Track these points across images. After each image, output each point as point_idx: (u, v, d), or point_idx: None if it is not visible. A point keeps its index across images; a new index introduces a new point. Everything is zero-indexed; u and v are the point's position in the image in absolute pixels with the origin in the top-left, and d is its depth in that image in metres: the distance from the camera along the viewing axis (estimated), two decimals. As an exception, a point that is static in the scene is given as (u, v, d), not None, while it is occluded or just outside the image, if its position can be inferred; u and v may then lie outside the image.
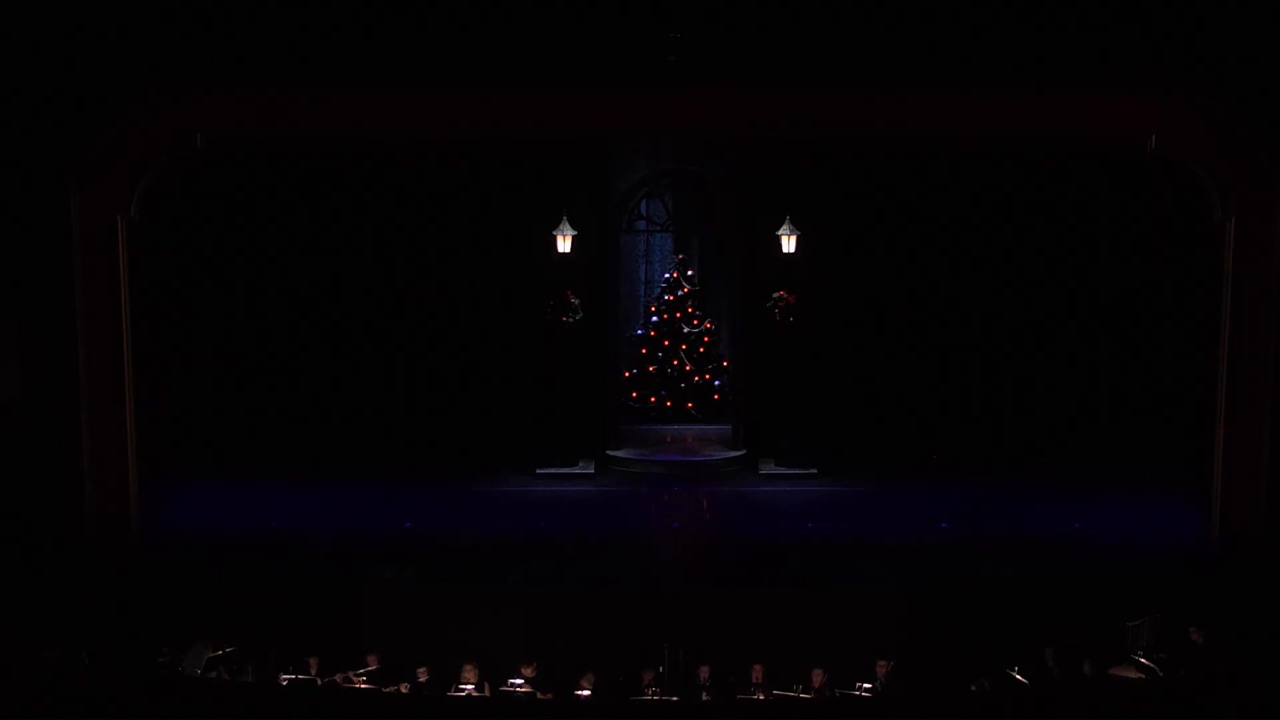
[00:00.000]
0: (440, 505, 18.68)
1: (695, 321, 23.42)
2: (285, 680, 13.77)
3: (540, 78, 16.45)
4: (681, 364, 23.10)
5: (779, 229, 20.26)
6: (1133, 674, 13.68)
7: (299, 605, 15.16)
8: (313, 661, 14.21)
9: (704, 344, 23.31)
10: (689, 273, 23.82)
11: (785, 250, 20.28)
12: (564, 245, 20.30)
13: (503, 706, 12.74)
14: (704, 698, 13.78)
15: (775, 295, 20.32)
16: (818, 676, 13.86)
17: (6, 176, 16.34)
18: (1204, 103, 16.43)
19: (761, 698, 13.68)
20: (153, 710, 10.59)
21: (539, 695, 13.60)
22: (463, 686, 13.88)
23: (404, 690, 13.74)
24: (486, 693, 13.84)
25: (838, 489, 19.82)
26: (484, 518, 18.32)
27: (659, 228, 23.85)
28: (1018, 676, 13.68)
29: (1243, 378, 16.88)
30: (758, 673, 14.07)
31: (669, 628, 14.22)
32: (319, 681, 13.97)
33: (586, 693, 13.73)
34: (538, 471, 20.33)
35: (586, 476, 20.47)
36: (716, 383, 23.11)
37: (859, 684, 13.80)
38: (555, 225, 20.24)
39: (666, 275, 23.87)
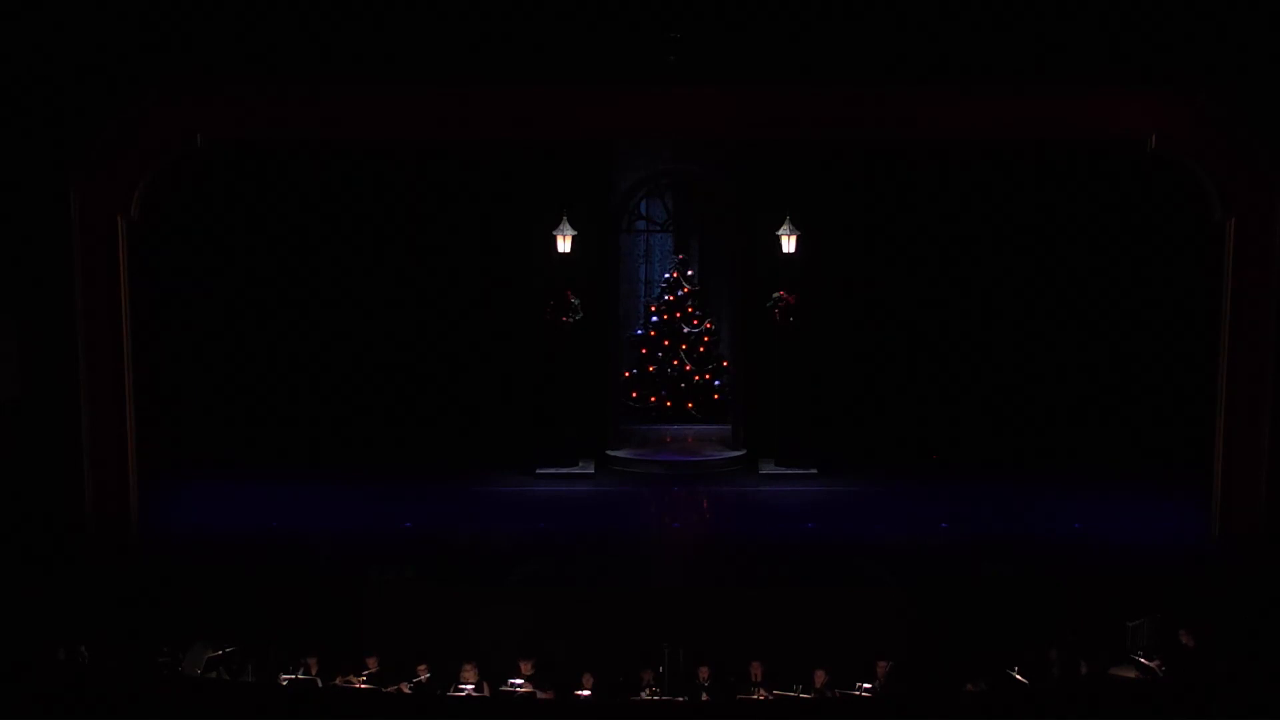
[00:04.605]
0: (440, 505, 18.69)
1: (695, 321, 23.40)
2: (285, 680, 13.77)
3: (541, 78, 16.44)
4: (681, 364, 23.09)
5: (779, 229, 20.28)
6: (1132, 674, 13.67)
7: (299, 605, 15.16)
8: (313, 662, 14.19)
9: (704, 344, 23.29)
10: (689, 273, 23.80)
11: (785, 250, 20.31)
12: (564, 245, 20.31)
13: (503, 706, 12.75)
14: (704, 698, 13.77)
15: (775, 295, 20.35)
16: (820, 677, 13.85)
17: (6, 176, 16.33)
18: (1204, 103, 16.42)
19: (761, 697, 13.67)
20: (153, 710, 10.59)
21: (539, 695, 13.60)
22: (463, 686, 13.87)
23: (404, 690, 13.73)
24: (486, 692, 13.83)
25: (838, 489, 19.82)
26: (484, 518, 18.33)
27: (659, 228, 23.88)
28: (1018, 676, 13.68)
29: (1243, 377, 16.85)
30: (757, 673, 14.06)
31: (669, 628, 14.22)
32: (319, 682, 13.97)
33: (586, 693, 13.73)
34: (538, 472, 20.32)
35: (586, 477, 20.46)
36: (716, 383, 23.10)
37: (859, 684, 13.79)
38: (555, 225, 20.26)
39: (666, 275, 23.86)
